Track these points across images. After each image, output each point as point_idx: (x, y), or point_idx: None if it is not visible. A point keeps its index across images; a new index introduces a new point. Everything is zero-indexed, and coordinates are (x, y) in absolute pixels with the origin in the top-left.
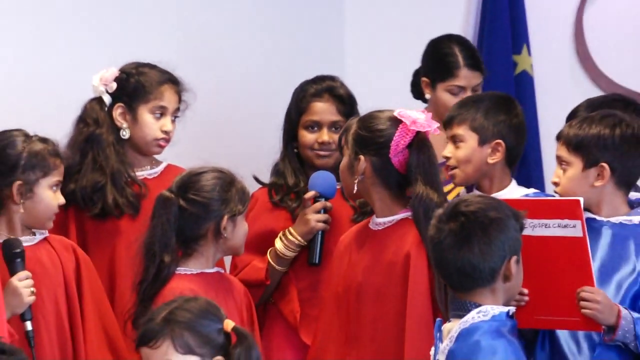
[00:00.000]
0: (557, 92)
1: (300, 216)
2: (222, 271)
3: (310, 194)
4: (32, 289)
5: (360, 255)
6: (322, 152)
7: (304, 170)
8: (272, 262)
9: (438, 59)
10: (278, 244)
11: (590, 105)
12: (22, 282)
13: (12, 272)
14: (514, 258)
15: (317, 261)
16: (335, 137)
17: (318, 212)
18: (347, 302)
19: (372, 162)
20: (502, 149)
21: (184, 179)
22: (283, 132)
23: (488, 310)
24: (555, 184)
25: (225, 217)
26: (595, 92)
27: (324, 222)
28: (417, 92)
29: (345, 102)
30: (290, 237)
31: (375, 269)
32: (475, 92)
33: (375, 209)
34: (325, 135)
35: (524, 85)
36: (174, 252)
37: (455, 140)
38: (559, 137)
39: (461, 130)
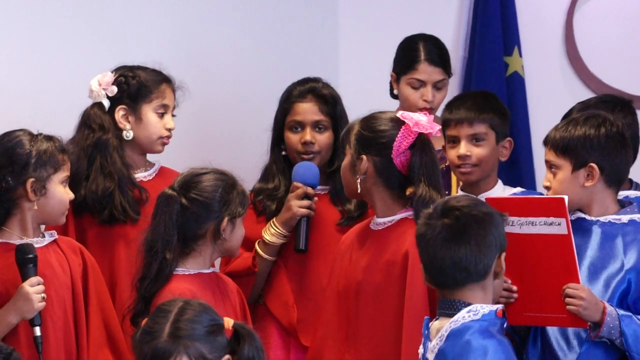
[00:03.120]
0: (548, 93)
1: (285, 204)
2: (218, 271)
3: (299, 186)
4: (43, 294)
5: (361, 255)
6: (305, 155)
7: (290, 173)
8: (259, 251)
9: (403, 54)
10: (264, 231)
11: (584, 107)
12: (34, 288)
13: (25, 277)
14: (503, 255)
15: (303, 247)
16: (319, 137)
17: (301, 199)
18: (347, 301)
19: (374, 162)
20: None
21: (187, 178)
22: (271, 135)
23: (478, 310)
24: (547, 187)
25: (226, 219)
26: (585, 93)
27: (308, 208)
28: (392, 91)
29: (328, 102)
30: (273, 224)
31: (374, 268)
32: (439, 89)
33: (376, 209)
34: (308, 135)
35: (515, 86)
36: (175, 250)
37: None
38: (546, 142)
39: None
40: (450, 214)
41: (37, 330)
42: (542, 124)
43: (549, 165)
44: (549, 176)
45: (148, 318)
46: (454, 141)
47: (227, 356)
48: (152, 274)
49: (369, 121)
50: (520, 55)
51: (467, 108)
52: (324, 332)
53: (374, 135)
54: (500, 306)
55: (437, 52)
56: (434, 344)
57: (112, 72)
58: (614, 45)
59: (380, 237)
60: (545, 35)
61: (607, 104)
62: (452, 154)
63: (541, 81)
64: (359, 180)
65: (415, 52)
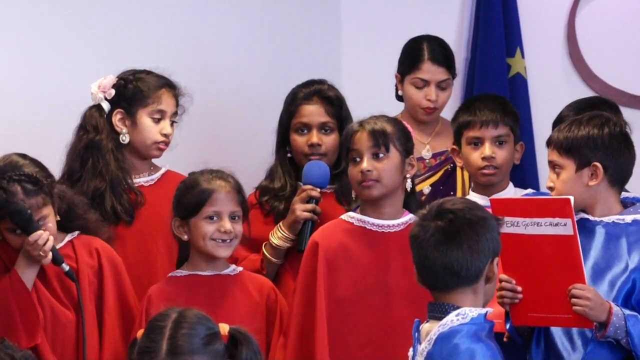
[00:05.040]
0: (551, 94)
1: (291, 206)
2: (223, 273)
3: (304, 189)
4: (50, 241)
5: (376, 257)
6: (311, 157)
7: (296, 174)
8: (266, 253)
9: (407, 54)
10: (271, 235)
11: (574, 109)
12: (39, 234)
13: (31, 232)
14: (496, 259)
15: (303, 248)
16: (325, 139)
17: (306, 202)
18: (360, 305)
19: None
20: None
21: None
22: (276, 137)
23: (467, 313)
24: (551, 188)
25: (176, 220)
26: (587, 94)
27: (313, 211)
28: (397, 92)
29: (334, 104)
30: (280, 228)
31: (407, 269)
32: (443, 89)
33: (391, 209)
34: (314, 137)
35: (518, 87)
36: None
37: None
38: (549, 143)
39: None
40: (444, 216)
41: (65, 266)
42: (544, 125)
43: (553, 165)
44: (553, 177)
45: (142, 335)
46: (476, 143)
47: None
48: None
49: (400, 122)
50: (523, 57)
51: (491, 110)
52: (323, 343)
53: (410, 137)
54: (489, 309)
55: (441, 51)
56: (423, 347)
57: (117, 75)
58: (616, 46)
59: (402, 238)
60: (548, 36)
61: (598, 105)
62: (476, 155)
63: (544, 82)
64: (408, 181)
65: (419, 52)
